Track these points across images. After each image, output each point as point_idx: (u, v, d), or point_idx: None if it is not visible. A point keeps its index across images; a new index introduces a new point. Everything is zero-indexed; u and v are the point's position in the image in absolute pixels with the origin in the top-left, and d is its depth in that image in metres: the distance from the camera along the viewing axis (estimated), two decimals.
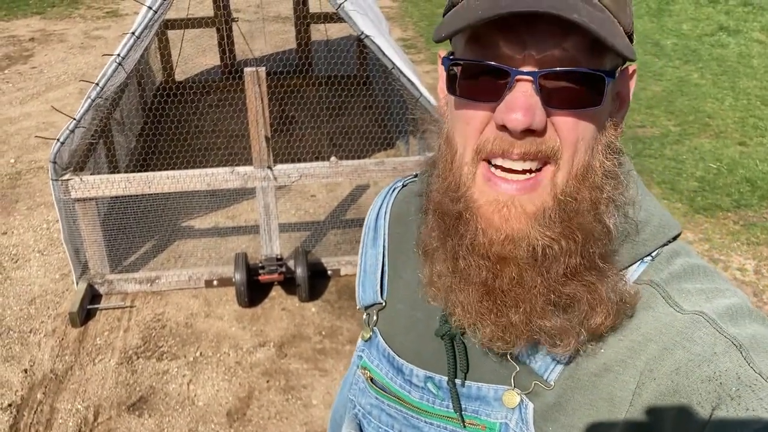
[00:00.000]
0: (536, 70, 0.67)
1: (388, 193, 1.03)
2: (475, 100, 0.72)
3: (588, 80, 0.68)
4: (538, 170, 0.71)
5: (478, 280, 0.73)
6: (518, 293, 0.72)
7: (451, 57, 0.75)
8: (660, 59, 7.60)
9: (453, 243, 0.75)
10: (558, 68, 0.67)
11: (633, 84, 0.79)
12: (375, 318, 0.96)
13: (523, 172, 0.70)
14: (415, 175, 1.01)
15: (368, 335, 0.95)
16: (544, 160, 0.70)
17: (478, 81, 0.71)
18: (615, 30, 0.68)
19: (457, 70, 0.74)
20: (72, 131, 3.48)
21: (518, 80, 0.67)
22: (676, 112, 6.27)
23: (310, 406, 3.16)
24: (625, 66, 0.77)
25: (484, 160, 0.72)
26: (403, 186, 1.03)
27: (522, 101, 0.67)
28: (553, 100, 0.68)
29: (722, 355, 0.68)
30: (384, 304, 0.95)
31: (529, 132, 0.68)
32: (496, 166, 0.71)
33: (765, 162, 5.34)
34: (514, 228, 0.70)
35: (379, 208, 1.02)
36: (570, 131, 0.69)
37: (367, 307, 0.99)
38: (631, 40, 0.73)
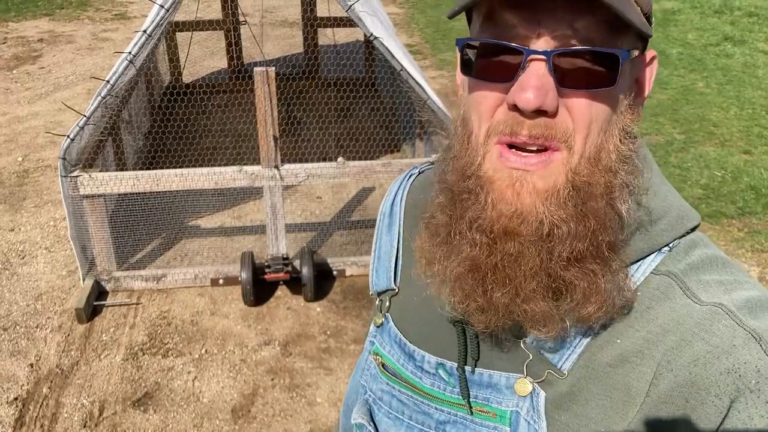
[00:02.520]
0: (550, 49, 0.67)
1: (404, 179, 1.03)
2: (489, 81, 0.71)
3: (602, 59, 0.67)
4: (550, 150, 0.70)
5: (466, 255, 0.73)
6: (510, 272, 0.71)
7: (463, 39, 0.75)
8: (665, 68, 7.62)
9: (453, 218, 0.75)
10: (571, 47, 0.66)
11: (653, 70, 0.77)
12: (387, 304, 0.95)
13: (537, 151, 0.70)
14: (431, 163, 1.00)
15: (380, 321, 0.95)
16: (555, 144, 0.69)
17: (492, 61, 0.71)
18: (632, 8, 0.68)
19: (471, 52, 0.73)
20: (82, 128, 3.50)
21: (532, 60, 0.67)
22: (681, 120, 6.29)
23: (315, 405, 3.17)
24: (643, 53, 0.76)
25: (496, 143, 0.72)
26: (420, 173, 1.02)
27: (535, 81, 0.66)
28: (566, 80, 0.67)
29: (741, 348, 0.68)
30: (397, 290, 0.95)
31: (540, 113, 0.68)
32: (509, 146, 0.71)
33: None
34: (525, 203, 0.69)
35: (395, 194, 1.02)
36: (583, 113, 0.69)
37: (379, 293, 0.98)
38: (650, 22, 0.72)
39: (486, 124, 0.72)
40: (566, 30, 0.66)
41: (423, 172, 1.02)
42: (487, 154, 0.72)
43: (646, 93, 0.77)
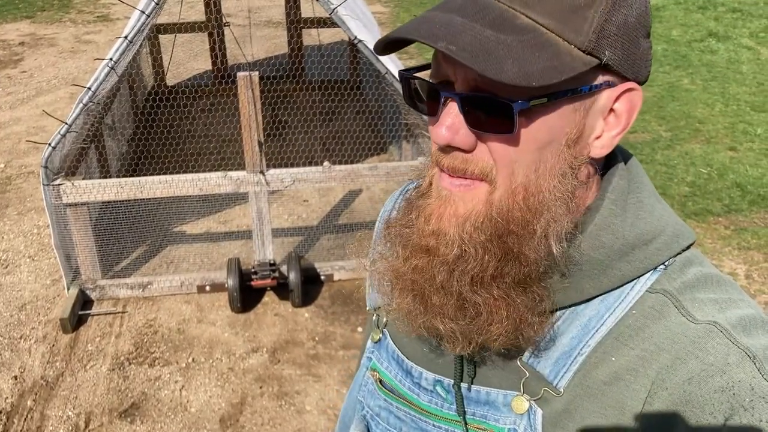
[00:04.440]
0: (460, 91, 0.70)
1: (400, 193, 1.04)
2: (426, 114, 0.77)
3: (497, 106, 0.68)
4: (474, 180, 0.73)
5: (389, 265, 0.78)
6: (417, 285, 0.75)
7: (403, 71, 0.78)
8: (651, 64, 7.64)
9: (395, 231, 0.80)
10: (473, 93, 0.69)
11: (630, 102, 0.73)
12: (384, 319, 0.96)
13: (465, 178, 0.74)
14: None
15: (377, 337, 0.95)
16: (476, 177, 0.72)
17: (424, 97, 0.76)
18: (516, 54, 0.64)
19: (412, 83, 0.78)
20: (64, 136, 3.46)
21: (449, 99, 0.71)
22: (667, 118, 6.31)
23: (304, 412, 3.15)
24: (619, 82, 0.72)
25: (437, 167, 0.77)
26: (416, 187, 1.04)
27: (448, 120, 0.70)
28: (474, 122, 0.70)
29: (736, 366, 0.68)
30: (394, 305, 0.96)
31: (455, 148, 0.72)
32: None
33: (755, 167, 5.38)
34: (443, 226, 0.73)
35: (392, 208, 1.03)
36: (501, 153, 0.70)
37: (376, 309, 0.99)
38: (599, 56, 0.68)
39: (434, 149, 0.77)
40: (475, 74, 0.68)
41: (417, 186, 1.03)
42: (433, 177, 0.78)
43: (623, 126, 0.74)
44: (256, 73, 3.45)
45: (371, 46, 3.57)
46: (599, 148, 0.74)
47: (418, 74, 0.77)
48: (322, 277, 4.02)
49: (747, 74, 7.38)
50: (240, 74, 3.43)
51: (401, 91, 0.81)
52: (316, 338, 3.61)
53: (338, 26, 3.69)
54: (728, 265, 4.20)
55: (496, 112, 0.68)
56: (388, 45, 0.72)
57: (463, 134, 0.70)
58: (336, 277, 4.03)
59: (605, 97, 0.72)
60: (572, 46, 0.67)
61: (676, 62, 7.80)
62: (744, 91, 6.91)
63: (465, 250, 0.71)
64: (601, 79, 0.71)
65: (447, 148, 0.72)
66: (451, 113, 0.70)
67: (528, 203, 0.71)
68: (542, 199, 0.71)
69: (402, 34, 0.68)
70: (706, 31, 8.81)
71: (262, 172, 3.64)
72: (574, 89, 0.69)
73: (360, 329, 3.66)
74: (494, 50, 0.64)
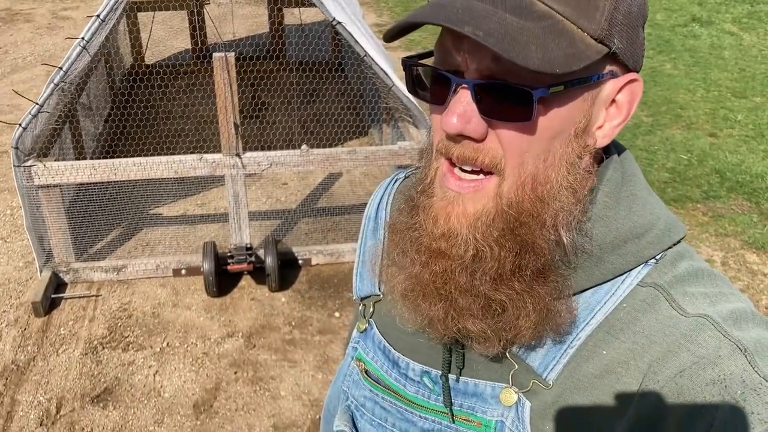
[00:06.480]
0: (473, 78, 0.69)
1: (390, 183, 1.03)
2: (431, 103, 0.74)
3: (515, 94, 0.67)
4: (486, 175, 0.72)
5: (408, 273, 0.76)
6: (442, 291, 0.74)
7: (407, 58, 0.76)
8: None
9: (403, 237, 0.78)
10: (488, 80, 0.68)
11: (633, 93, 0.74)
12: (371, 309, 0.95)
13: (472, 172, 0.72)
14: (418, 167, 1.02)
15: (364, 327, 0.95)
16: (486, 168, 0.71)
17: (431, 84, 0.74)
18: (539, 41, 0.64)
19: (415, 70, 0.76)
20: (35, 116, 3.39)
21: (460, 87, 0.69)
22: (648, 103, 6.31)
23: (278, 398, 3.14)
24: (615, 75, 0.72)
25: (443, 158, 0.74)
26: (405, 177, 1.03)
27: (459, 108, 0.69)
28: (489, 109, 0.69)
29: (727, 359, 0.68)
30: (381, 295, 0.95)
31: (465, 137, 0.70)
32: (452, 164, 0.74)
33: (734, 154, 5.40)
34: (453, 227, 0.72)
35: (381, 198, 1.02)
36: (511, 142, 0.69)
37: (363, 298, 0.98)
38: (608, 44, 0.68)
39: (437, 138, 0.75)
40: (489, 62, 0.68)
41: (408, 176, 1.02)
42: (437, 171, 0.75)
43: (624, 116, 0.75)
44: (232, 53, 3.39)
45: (350, 29, 3.52)
46: (601, 138, 0.75)
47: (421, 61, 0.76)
48: (300, 262, 3.99)
49: (729, 60, 7.39)
50: (216, 55, 3.37)
51: (404, 79, 0.79)
52: (293, 323, 3.59)
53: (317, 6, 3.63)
54: (705, 251, 4.22)
55: (513, 99, 0.67)
56: (400, 31, 0.71)
57: (476, 123, 0.69)
58: (314, 262, 4.00)
59: (609, 87, 0.73)
60: (585, 33, 0.68)
61: (660, 47, 7.79)
62: (725, 77, 6.92)
63: (480, 248, 0.71)
64: (607, 68, 0.72)
65: (457, 138, 0.70)
66: (463, 101, 0.69)
67: (537, 193, 0.71)
68: (550, 189, 0.71)
69: (422, 18, 0.66)
70: (690, 15, 8.80)
71: (238, 155, 3.59)
72: (586, 78, 0.70)
73: (337, 314, 3.65)
74: (518, 36, 0.64)
